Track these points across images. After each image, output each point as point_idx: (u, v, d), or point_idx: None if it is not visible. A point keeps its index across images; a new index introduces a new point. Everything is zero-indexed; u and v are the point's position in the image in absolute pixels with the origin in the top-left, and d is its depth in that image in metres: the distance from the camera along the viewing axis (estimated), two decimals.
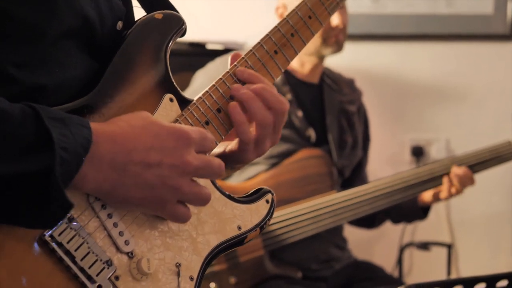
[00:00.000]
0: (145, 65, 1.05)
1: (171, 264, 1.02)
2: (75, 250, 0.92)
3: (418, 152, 3.09)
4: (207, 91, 1.11)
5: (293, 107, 2.42)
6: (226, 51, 2.72)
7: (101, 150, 0.89)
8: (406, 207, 2.52)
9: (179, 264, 1.02)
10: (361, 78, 2.92)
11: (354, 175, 2.58)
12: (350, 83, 2.65)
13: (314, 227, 2.26)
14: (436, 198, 2.46)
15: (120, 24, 1.06)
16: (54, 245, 0.90)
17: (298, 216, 2.25)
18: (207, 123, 1.09)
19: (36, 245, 0.89)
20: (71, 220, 0.92)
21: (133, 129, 0.94)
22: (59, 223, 0.90)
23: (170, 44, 1.08)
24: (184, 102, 1.08)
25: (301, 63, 2.49)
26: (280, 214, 2.24)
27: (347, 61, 2.82)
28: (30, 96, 0.93)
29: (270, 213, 1.12)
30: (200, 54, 2.77)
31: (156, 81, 1.06)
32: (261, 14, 2.93)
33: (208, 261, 1.06)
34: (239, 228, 1.09)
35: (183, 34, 1.11)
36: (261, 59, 1.16)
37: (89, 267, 0.93)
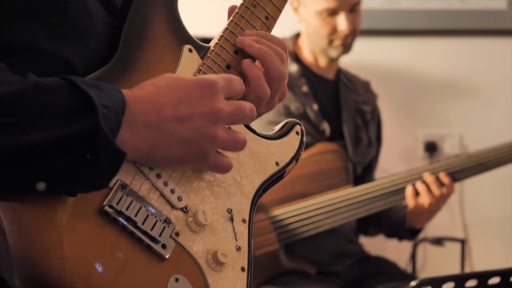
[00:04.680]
0: (159, 19, 1.05)
1: (223, 211, 1.04)
2: (135, 215, 0.94)
3: (431, 148, 3.09)
4: (222, 35, 1.10)
5: (309, 99, 2.42)
6: None
7: (134, 112, 0.90)
8: (394, 224, 2.49)
9: (231, 210, 1.05)
10: (375, 74, 2.92)
11: (363, 176, 2.58)
12: (366, 85, 2.65)
13: (330, 221, 2.25)
14: (411, 214, 2.37)
15: None
16: (115, 214, 0.92)
17: (313, 210, 2.25)
18: (228, 67, 1.09)
19: (98, 217, 0.91)
20: (124, 187, 0.94)
21: (159, 89, 0.94)
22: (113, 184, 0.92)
23: None
24: (202, 50, 1.08)
25: (315, 58, 2.50)
26: (295, 208, 2.25)
27: (360, 56, 2.82)
28: (63, 69, 0.94)
29: (302, 144, 1.15)
30: None
31: (172, 34, 1.06)
32: None
33: (256, 201, 1.08)
34: (277, 164, 1.12)
35: None
36: None
37: (151, 229, 0.95)
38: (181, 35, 1.07)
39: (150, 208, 0.96)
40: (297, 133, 1.15)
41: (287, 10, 1.30)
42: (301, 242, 2.28)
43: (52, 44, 0.94)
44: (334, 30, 2.38)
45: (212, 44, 1.10)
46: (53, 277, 0.85)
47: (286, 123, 1.16)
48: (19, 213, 0.85)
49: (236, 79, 0.99)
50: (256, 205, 1.08)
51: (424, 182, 2.27)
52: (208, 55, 1.08)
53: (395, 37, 3.09)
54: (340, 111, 2.50)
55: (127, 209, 0.93)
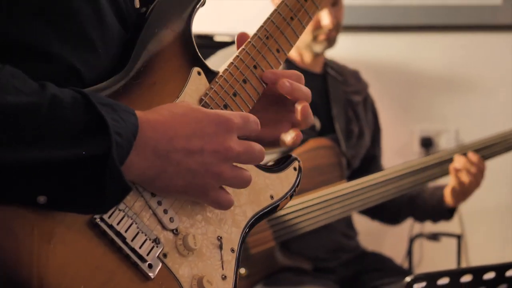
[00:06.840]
0: (172, 38, 1.05)
1: (213, 238, 1.04)
2: (125, 231, 0.93)
3: (427, 143, 3.09)
4: (232, 63, 1.11)
5: None
6: (233, 42, 2.72)
7: (145, 137, 0.90)
8: (432, 207, 2.51)
9: (221, 238, 1.04)
10: (370, 70, 2.92)
11: (369, 167, 2.56)
12: (355, 74, 2.64)
13: (325, 217, 2.25)
14: (453, 193, 2.41)
15: (137, 2, 1.07)
16: (105, 227, 0.91)
17: (308, 207, 2.24)
18: (234, 94, 1.09)
19: (87, 229, 0.90)
20: None
21: (175, 117, 0.94)
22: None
23: (193, 16, 1.09)
24: (211, 74, 1.09)
25: (299, 54, 2.49)
26: (290, 205, 2.23)
27: (356, 52, 2.82)
28: (68, 75, 0.94)
29: (298, 180, 1.15)
30: (208, 46, 2.77)
31: (183, 54, 1.06)
32: (268, 6, 2.94)
33: (247, 231, 1.08)
34: (272, 197, 1.12)
35: (203, 4, 1.11)
36: (279, 26, 1.17)
37: (140, 247, 0.94)
38: (191, 57, 1.07)
39: (141, 225, 0.95)
40: (295, 169, 1.16)
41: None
42: (296, 238, 2.27)
43: (61, 49, 0.94)
44: (318, 26, 2.39)
45: (221, 69, 1.10)
46: (33, 285, 0.83)
47: (285, 157, 1.16)
48: (7, 216, 0.84)
49: (253, 118, 1.00)
50: (246, 236, 1.08)
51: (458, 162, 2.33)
52: (216, 80, 1.08)
53: (391, 33, 3.09)
54: (329, 105, 2.49)
55: (118, 223, 0.92)
